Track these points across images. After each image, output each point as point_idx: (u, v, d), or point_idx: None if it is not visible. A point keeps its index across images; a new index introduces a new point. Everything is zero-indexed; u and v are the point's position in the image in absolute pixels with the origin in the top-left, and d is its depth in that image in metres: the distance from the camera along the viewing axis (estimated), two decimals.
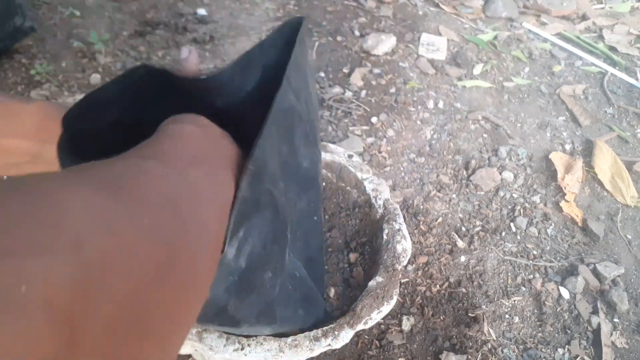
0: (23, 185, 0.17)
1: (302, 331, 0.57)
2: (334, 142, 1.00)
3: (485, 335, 0.72)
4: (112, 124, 0.43)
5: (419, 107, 1.12)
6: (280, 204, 0.43)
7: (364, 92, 1.13)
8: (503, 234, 0.88)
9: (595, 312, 0.78)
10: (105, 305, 0.17)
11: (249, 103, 0.49)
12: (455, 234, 0.86)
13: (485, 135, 1.08)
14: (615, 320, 0.78)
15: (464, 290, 0.78)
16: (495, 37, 1.39)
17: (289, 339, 0.54)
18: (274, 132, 0.41)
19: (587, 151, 1.08)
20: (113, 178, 0.22)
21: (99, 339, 0.17)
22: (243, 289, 0.42)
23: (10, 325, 0.14)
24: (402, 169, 0.97)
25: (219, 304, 0.40)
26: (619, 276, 0.84)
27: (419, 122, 1.08)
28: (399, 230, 0.66)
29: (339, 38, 1.29)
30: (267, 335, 0.54)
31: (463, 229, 0.88)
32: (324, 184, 0.76)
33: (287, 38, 0.47)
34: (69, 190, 0.18)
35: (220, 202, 0.30)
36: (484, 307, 0.76)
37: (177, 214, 0.23)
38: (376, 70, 1.20)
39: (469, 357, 0.69)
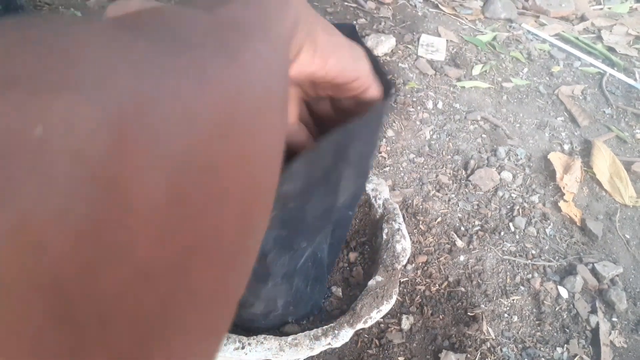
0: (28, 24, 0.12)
1: (302, 328, 0.57)
2: None
3: (484, 334, 0.73)
4: None
5: (418, 107, 1.13)
6: (341, 186, 0.45)
7: None
8: (502, 233, 0.88)
9: (593, 311, 0.79)
10: (157, 163, 0.12)
11: None
12: (454, 234, 0.87)
13: (484, 135, 1.08)
14: (614, 319, 0.78)
15: (463, 289, 0.78)
16: (494, 38, 1.40)
17: (289, 338, 0.54)
18: (372, 120, 0.41)
19: (586, 151, 1.08)
20: (147, 21, 0.16)
21: (156, 209, 0.12)
22: (284, 246, 0.45)
23: (26, 188, 0.09)
24: (401, 169, 0.98)
25: (263, 250, 0.43)
26: (617, 275, 0.84)
27: (418, 123, 1.09)
28: (398, 229, 0.66)
29: None
30: (269, 333, 0.55)
31: (462, 228, 0.88)
32: None
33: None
34: (86, 26, 0.14)
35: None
36: (483, 306, 0.76)
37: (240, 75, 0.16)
38: None
39: (468, 355, 0.70)
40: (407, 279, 0.78)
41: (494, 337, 0.73)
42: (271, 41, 0.20)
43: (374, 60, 0.45)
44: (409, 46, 1.30)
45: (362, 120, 0.39)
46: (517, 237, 0.88)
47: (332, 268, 0.68)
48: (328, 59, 0.28)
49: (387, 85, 0.43)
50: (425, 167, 0.99)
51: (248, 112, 0.16)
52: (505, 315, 0.76)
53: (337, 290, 0.67)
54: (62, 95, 0.11)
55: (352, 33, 0.49)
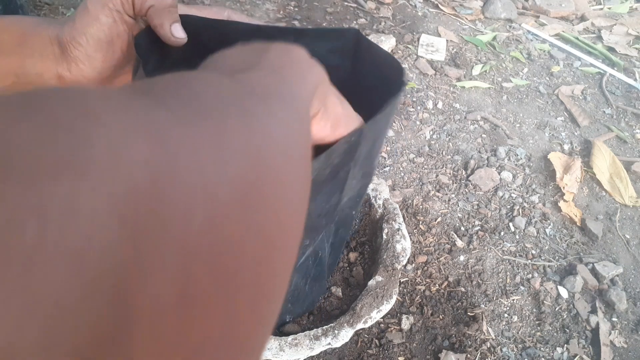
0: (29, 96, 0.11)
1: (302, 328, 0.58)
2: None
3: (484, 334, 0.73)
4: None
5: (418, 107, 1.13)
6: (347, 186, 0.45)
7: None
8: (502, 233, 0.88)
9: (593, 311, 0.79)
10: (169, 257, 0.11)
11: None
12: (454, 234, 0.87)
13: (484, 135, 1.08)
14: (614, 319, 0.78)
15: (463, 289, 0.78)
16: (494, 38, 1.40)
17: (289, 338, 0.54)
18: (383, 120, 0.41)
19: (586, 151, 1.08)
20: (166, 86, 0.16)
21: (163, 315, 0.11)
22: None
23: (9, 309, 0.08)
24: (401, 168, 0.98)
25: None
26: (617, 275, 0.84)
27: (418, 123, 1.09)
28: (398, 229, 0.66)
29: None
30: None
31: (462, 228, 0.88)
32: None
33: (347, 49, 0.49)
34: (99, 95, 0.12)
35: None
36: (483, 306, 0.76)
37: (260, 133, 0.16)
38: None
39: (468, 355, 0.70)
40: (407, 279, 0.78)
41: (494, 337, 0.73)
42: (292, 105, 0.20)
43: (385, 55, 0.45)
44: (409, 46, 1.30)
45: (374, 119, 0.38)
46: (517, 237, 0.88)
47: (334, 268, 0.67)
48: (338, 128, 0.31)
49: (399, 78, 0.43)
50: (425, 167, 0.99)
51: (269, 181, 0.15)
52: (505, 315, 0.76)
53: (337, 290, 0.67)
54: (63, 181, 0.09)
55: (357, 36, 0.49)
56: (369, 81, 0.50)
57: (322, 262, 0.58)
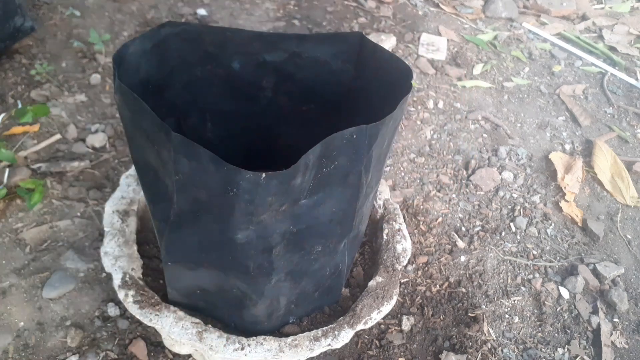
0: None
1: (302, 329, 0.57)
2: None
3: (485, 335, 0.73)
4: (142, 81, 0.45)
5: (419, 107, 1.12)
6: (362, 193, 0.45)
7: None
8: (503, 233, 0.88)
9: (595, 312, 0.78)
10: None
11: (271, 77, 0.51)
12: (455, 234, 0.86)
13: (485, 135, 1.08)
14: (615, 320, 0.78)
15: (463, 290, 0.78)
16: (495, 37, 1.39)
17: (289, 339, 0.54)
18: (391, 122, 0.41)
19: (587, 151, 1.08)
20: None
21: None
22: (292, 244, 0.45)
23: None
24: (402, 169, 0.97)
25: (270, 243, 0.43)
26: (618, 276, 0.84)
27: (418, 122, 1.08)
28: (398, 230, 0.66)
29: None
30: (269, 334, 0.55)
31: (463, 228, 0.88)
32: None
33: (347, 52, 0.50)
34: None
35: None
36: (483, 306, 0.76)
37: None
38: None
39: (469, 356, 0.69)
40: (407, 279, 0.78)
41: (494, 338, 0.73)
42: None
43: (391, 57, 0.46)
44: (410, 45, 1.30)
45: (383, 122, 0.38)
46: (518, 237, 0.88)
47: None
48: None
49: (406, 80, 0.43)
50: (426, 167, 0.99)
51: None
52: (506, 315, 0.76)
53: None
54: None
55: (360, 39, 0.49)
56: (374, 85, 0.50)
57: (340, 276, 0.57)
